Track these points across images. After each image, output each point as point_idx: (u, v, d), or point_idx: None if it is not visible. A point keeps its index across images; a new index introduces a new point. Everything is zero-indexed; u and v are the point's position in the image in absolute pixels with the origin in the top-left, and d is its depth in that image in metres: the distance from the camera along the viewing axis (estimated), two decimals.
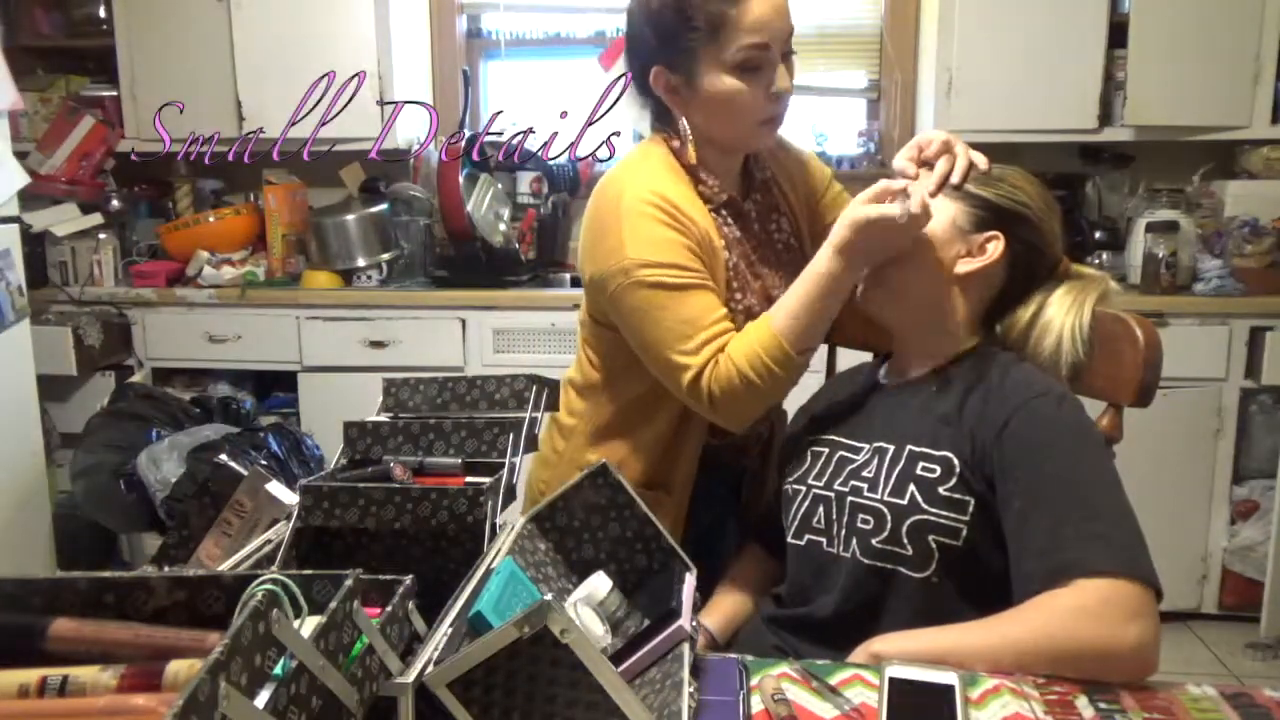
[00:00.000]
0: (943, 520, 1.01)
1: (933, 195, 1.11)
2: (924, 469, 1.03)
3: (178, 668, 0.58)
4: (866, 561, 1.05)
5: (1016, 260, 1.11)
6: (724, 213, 1.30)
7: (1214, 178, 2.78)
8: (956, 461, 1.02)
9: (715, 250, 1.25)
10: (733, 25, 1.18)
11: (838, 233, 1.12)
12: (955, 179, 1.12)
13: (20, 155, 2.46)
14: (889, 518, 1.03)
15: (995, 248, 1.10)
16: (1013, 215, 1.10)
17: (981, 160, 1.13)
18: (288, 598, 0.58)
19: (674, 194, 1.23)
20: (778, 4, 1.21)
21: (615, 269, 1.21)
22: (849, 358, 1.41)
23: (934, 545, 1.01)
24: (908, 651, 0.92)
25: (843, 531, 1.08)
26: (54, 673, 0.58)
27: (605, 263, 1.23)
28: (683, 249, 1.21)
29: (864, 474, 1.08)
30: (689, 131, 1.27)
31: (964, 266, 1.10)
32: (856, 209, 1.10)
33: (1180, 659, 2.46)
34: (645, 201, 1.21)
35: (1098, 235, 2.83)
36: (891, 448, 1.07)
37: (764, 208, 1.37)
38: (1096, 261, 2.78)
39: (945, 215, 1.10)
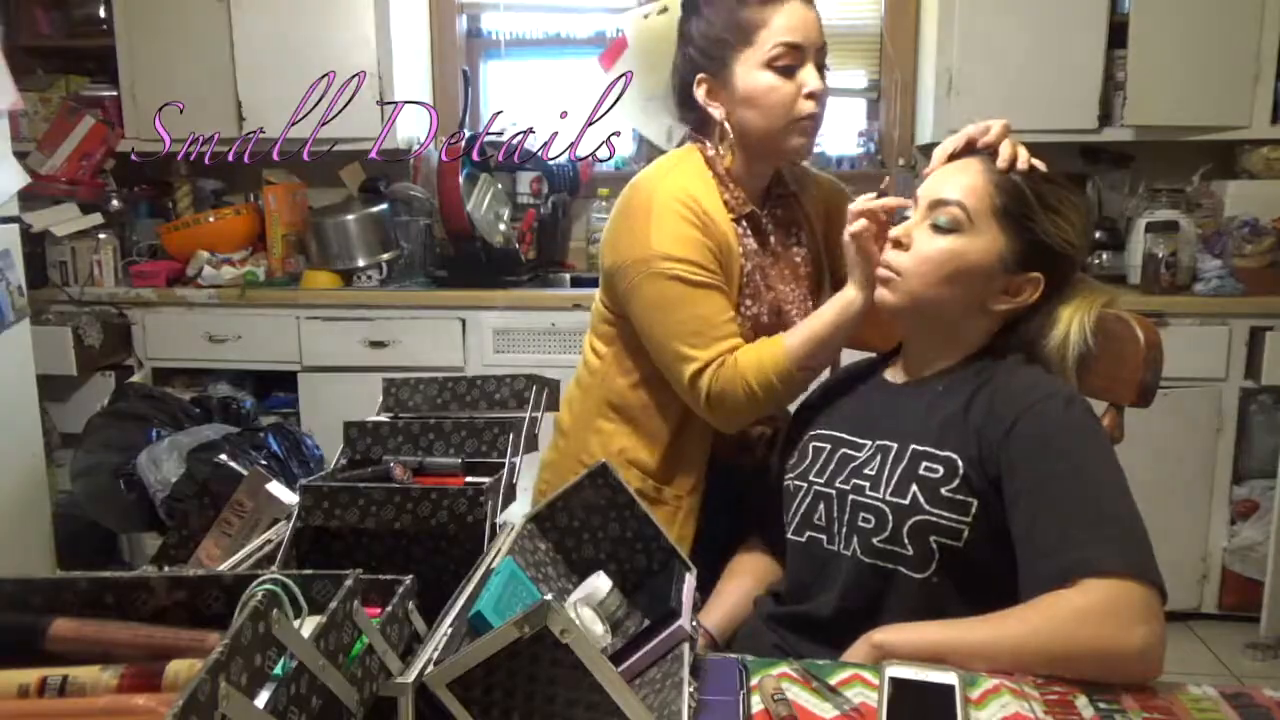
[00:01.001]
0: (944, 521, 1.00)
1: (1004, 171, 1.08)
2: (927, 469, 1.03)
3: (178, 668, 0.58)
4: (867, 560, 1.05)
5: (1048, 291, 1.09)
6: (744, 224, 1.34)
7: (1214, 178, 2.78)
8: (960, 462, 1.01)
9: (733, 256, 1.30)
10: (766, 26, 1.26)
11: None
12: (1022, 165, 1.10)
13: (20, 155, 2.46)
14: (890, 517, 1.03)
15: (1033, 292, 1.08)
16: (1058, 256, 1.08)
17: (1039, 164, 1.11)
18: (288, 598, 0.58)
19: (703, 197, 1.28)
20: (810, 15, 1.28)
21: (637, 259, 1.27)
22: (849, 354, 1.41)
23: (935, 546, 1.01)
24: (908, 642, 0.92)
25: (843, 529, 1.08)
26: (54, 673, 0.58)
27: (628, 253, 1.28)
28: (704, 249, 1.26)
29: (866, 472, 1.08)
30: (730, 134, 1.31)
31: (998, 305, 1.09)
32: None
33: (1180, 659, 2.46)
34: (676, 199, 1.27)
35: (1098, 235, 2.82)
36: (895, 446, 1.07)
37: (782, 222, 1.41)
38: (1096, 261, 2.79)
39: (993, 249, 1.06)
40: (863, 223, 1.14)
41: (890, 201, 1.16)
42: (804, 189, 1.45)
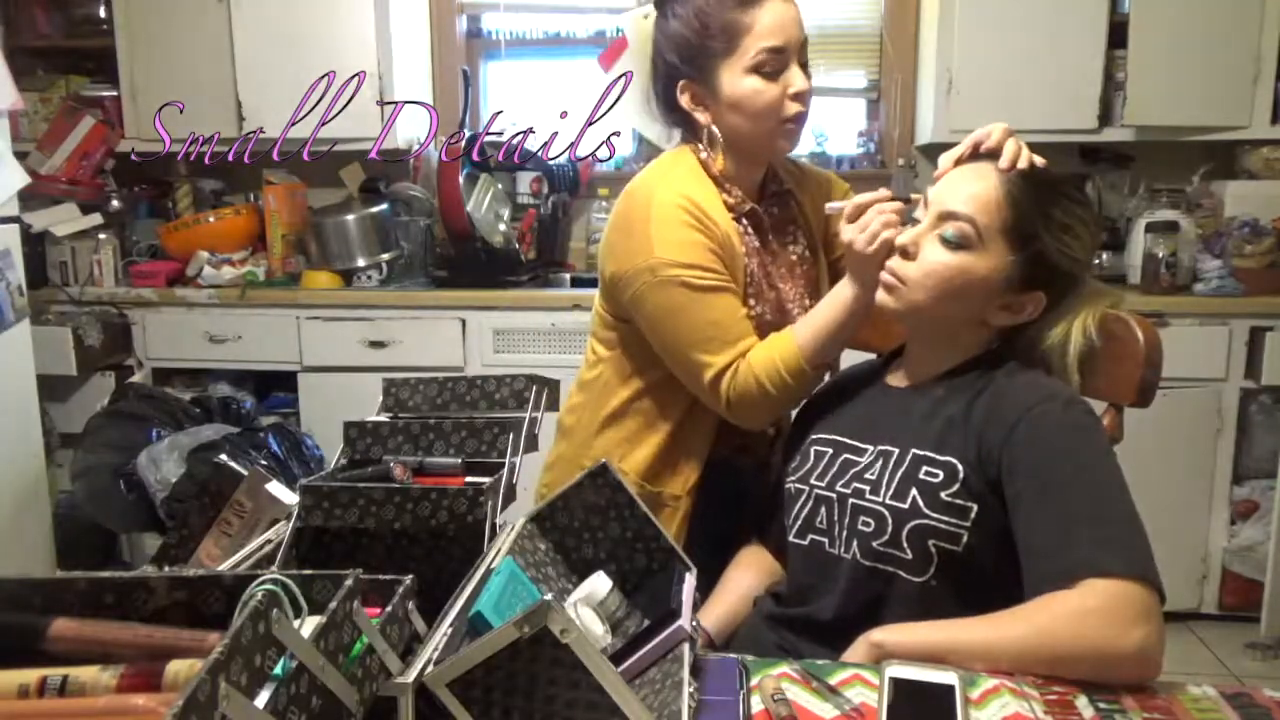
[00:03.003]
0: (943, 525, 1.00)
1: (1006, 171, 1.07)
2: (927, 473, 1.03)
3: (178, 668, 0.58)
4: (866, 564, 1.05)
5: (1049, 303, 1.09)
6: (744, 222, 1.33)
7: (1214, 178, 2.78)
8: (961, 467, 1.01)
9: (736, 255, 1.29)
10: (748, 31, 1.25)
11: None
12: (1023, 165, 1.08)
13: (20, 155, 2.46)
14: (889, 521, 1.03)
15: (1034, 310, 1.08)
16: (1063, 275, 1.07)
17: (1040, 160, 1.11)
18: (288, 598, 0.58)
19: (702, 199, 1.28)
20: (790, 13, 1.27)
21: (641, 267, 1.26)
22: (850, 356, 1.41)
23: (933, 550, 1.01)
24: (906, 643, 0.92)
25: (844, 533, 1.08)
26: (54, 673, 0.58)
27: (631, 261, 1.27)
28: (707, 252, 1.26)
29: (867, 476, 1.08)
30: (719, 138, 1.31)
31: (999, 320, 1.09)
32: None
33: (1180, 659, 2.46)
34: (674, 205, 1.26)
35: None
36: (896, 450, 1.07)
37: (779, 220, 1.40)
38: (1096, 262, 2.78)
39: (999, 267, 1.05)
40: (885, 235, 1.11)
41: (899, 205, 1.14)
42: (800, 185, 1.45)
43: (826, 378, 1.36)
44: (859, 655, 0.94)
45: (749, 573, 1.27)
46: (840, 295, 1.21)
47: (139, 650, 0.61)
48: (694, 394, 1.31)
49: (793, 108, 1.28)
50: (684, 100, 1.32)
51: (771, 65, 1.26)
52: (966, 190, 1.07)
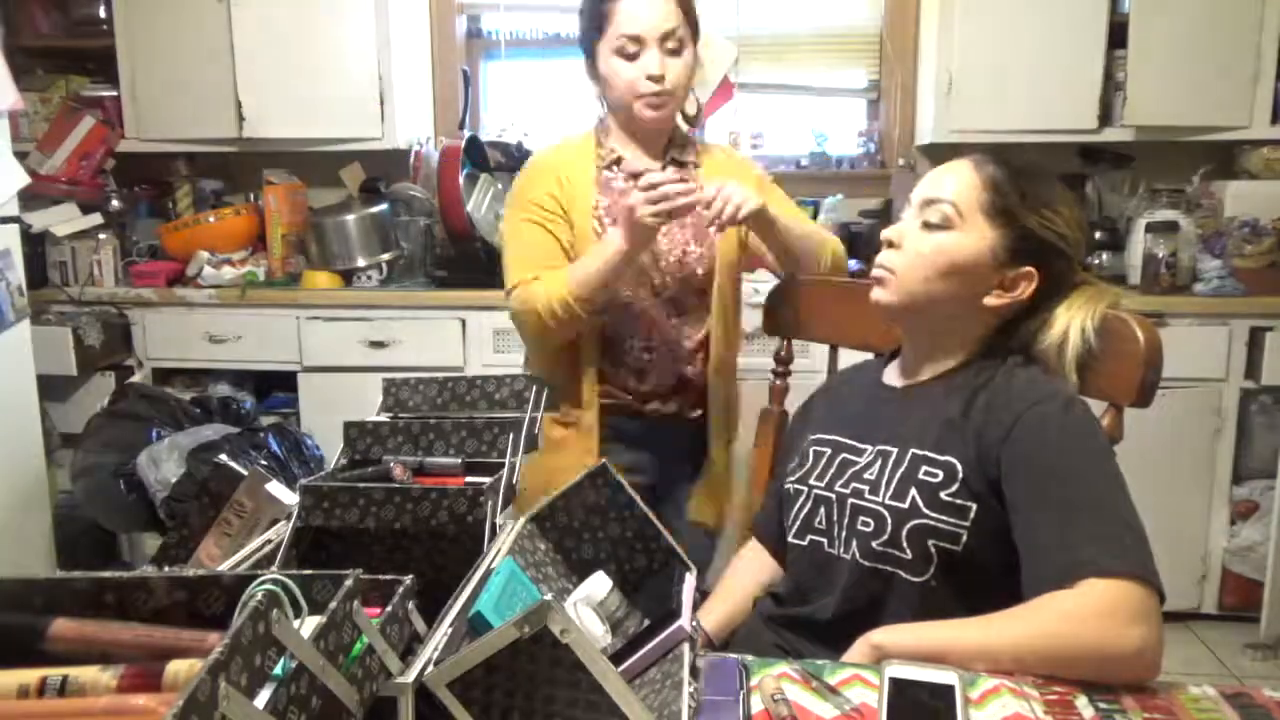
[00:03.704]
0: (943, 525, 1.01)
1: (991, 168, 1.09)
2: (927, 473, 1.03)
3: (178, 668, 0.57)
4: (866, 564, 1.05)
5: (1044, 288, 1.09)
6: (614, 169, 1.62)
7: (1214, 178, 2.78)
8: (960, 467, 1.01)
9: (583, 195, 1.58)
10: (612, 19, 1.52)
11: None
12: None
13: (20, 155, 2.46)
14: (889, 521, 1.03)
15: (1028, 287, 1.08)
16: (1052, 249, 1.08)
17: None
18: (288, 598, 0.58)
19: (564, 154, 1.63)
20: (650, 4, 1.51)
21: (507, 203, 1.64)
22: (849, 356, 1.41)
23: (933, 550, 1.01)
24: (905, 644, 0.92)
25: (843, 533, 1.08)
26: (54, 673, 0.58)
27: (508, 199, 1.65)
28: (545, 195, 1.57)
29: (866, 476, 1.08)
30: (603, 104, 1.63)
31: (993, 301, 1.09)
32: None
33: (1180, 659, 2.46)
34: (536, 158, 1.67)
35: (1098, 235, 2.82)
36: (895, 450, 1.07)
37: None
38: (1096, 262, 2.78)
39: (984, 244, 1.07)
40: (662, 206, 1.37)
41: (672, 189, 1.37)
42: (712, 164, 1.65)
43: (824, 376, 1.36)
44: (858, 656, 0.94)
45: (749, 573, 1.27)
46: (608, 245, 1.45)
47: (139, 650, 0.61)
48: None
49: (648, 86, 1.52)
50: (587, 69, 1.61)
51: (631, 49, 1.51)
52: (945, 180, 1.10)
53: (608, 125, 1.63)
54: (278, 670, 0.55)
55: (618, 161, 1.61)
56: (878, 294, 1.12)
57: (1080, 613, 0.88)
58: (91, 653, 0.61)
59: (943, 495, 1.01)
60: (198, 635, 0.62)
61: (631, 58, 1.51)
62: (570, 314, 1.48)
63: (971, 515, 1.00)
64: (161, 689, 0.57)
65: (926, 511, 1.01)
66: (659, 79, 1.51)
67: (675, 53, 1.52)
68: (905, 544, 1.02)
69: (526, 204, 1.58)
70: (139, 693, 0.57)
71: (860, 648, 0.95)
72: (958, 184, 1.09)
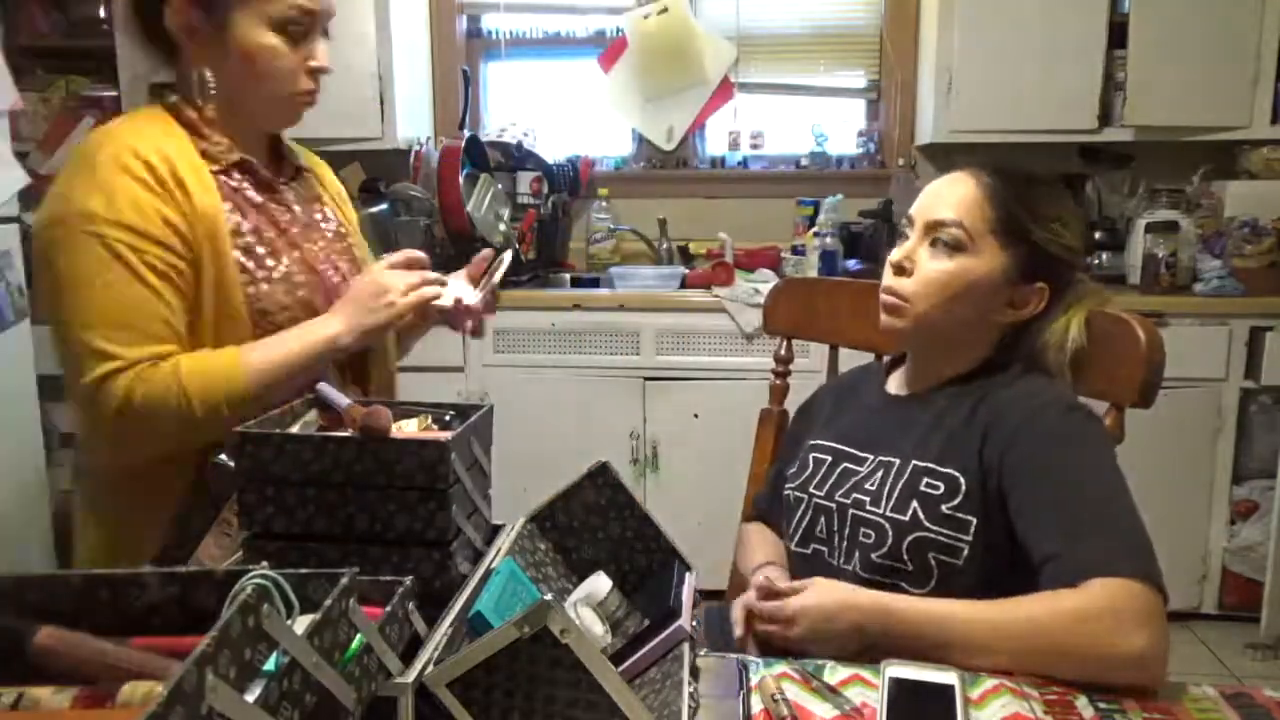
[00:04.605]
0: (944, 538, 1.00)
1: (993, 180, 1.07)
2: (928, 485, 1.03)
3: (133, 689, 0.57)
4: (867, 575, 1.05)
5: (1052, 298, 1.09)
6: (237, 175, 1.16)
7: (1214, 178, 2.78)
8: (962, 480, 1.01)
9: (215, 218, 1.10)
10: None
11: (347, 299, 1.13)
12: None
13: (20, 155, 2.46)
14: (890, 533, 1.03)
15: (1039, 302, 1.08)
16: (1061, 263, 1.08)
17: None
18: (279, 594, 0.58)
19: (172, 152, 1.09)
20: None
21: (72, 212, 1.04)
22: (849, 356, 1.41)
23: (934, 562, 1.01)
24: (913, 608, 0.93)
25: (844, 544, 1.08)
26: (8, 691, 0.57)
27: (57, 205, 1.06)
28: (164, 224, 1.06)
29: (867, 487, 1.08)
30: (210, 84, 1.13)
31: (1006, 317, 1.09)
32: (381, 276, 1.13)
33: (1180, 659, 2.46)
34: (132, 155, 1.06)
35: (1098, 235, 2.83)
36: (897, 461, 1.07)
37: (305, 198, 1.27)
38: (1096, 262, 2.79)
39: (996, 265, 1.06)
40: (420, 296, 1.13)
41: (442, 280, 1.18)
42: (315, 168, 1.33)
43: (823, 378, 1.35)
44: (859, 613, 0.94)
45: (768, 539, 1.24)
46: (321, 332, 1.10)
47: (118, 673, 0.60)
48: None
49: (307, 84, 1.15)
50: (174, 21, 1.11)
51: (299, 26, 1.12)
52: (948, 197, 1.08)
53: (208, 113, 1.14)
54: (270, 666, 0.55)
55: (238, 165, 1.15)
56: (891, 322, 1.10)
57: (1084, 610, 0.87)
58: (75, 671, 0.60)
59: (944, 508, 1.01)
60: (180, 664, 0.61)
61: (295, 39, 1.13)
62: (237, 413, 1.02)
63: (972, 529, 1.00)
64: (115, 708, 0.56)
65: (928, 524, 1.01)
66: (324, 74, 1.17)
67: (326, 35, 1.17)
68: (906, 556, 1.02)
69: (132, 233, 1.03)
70: (92, 709, 0.56)
71: (862, 600, 0.95)
72: (964, 203, 1.07)
